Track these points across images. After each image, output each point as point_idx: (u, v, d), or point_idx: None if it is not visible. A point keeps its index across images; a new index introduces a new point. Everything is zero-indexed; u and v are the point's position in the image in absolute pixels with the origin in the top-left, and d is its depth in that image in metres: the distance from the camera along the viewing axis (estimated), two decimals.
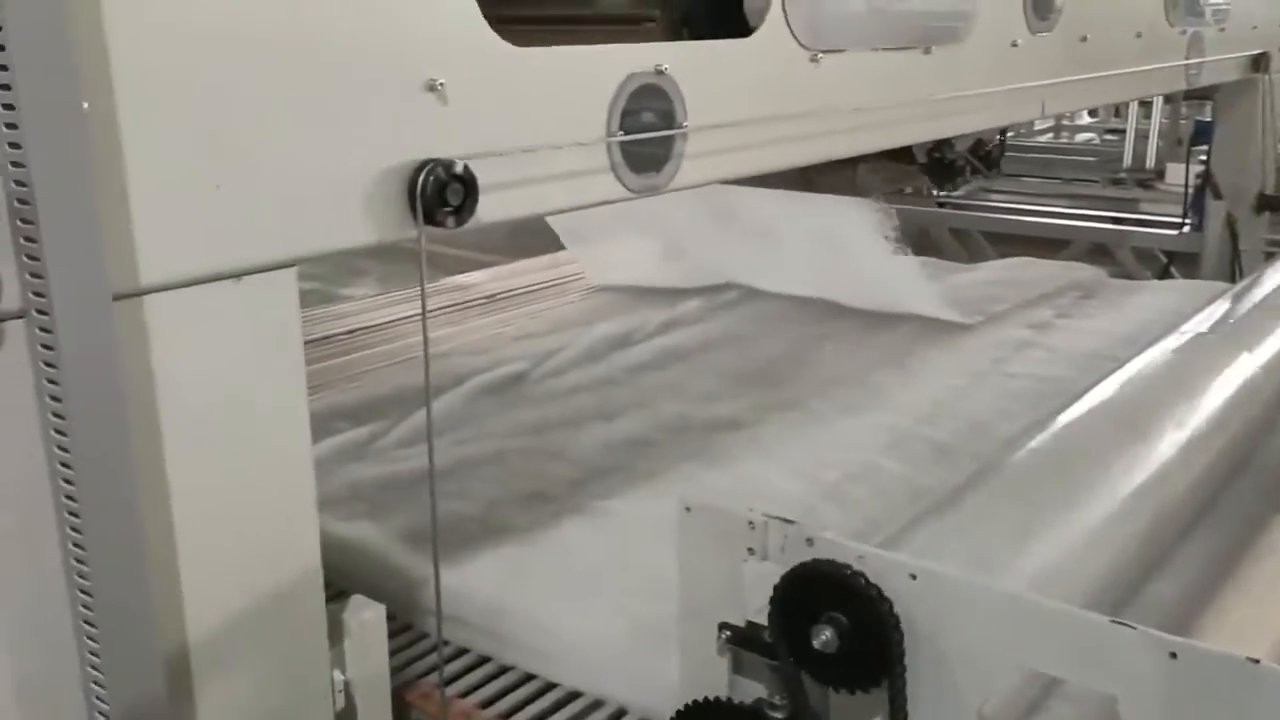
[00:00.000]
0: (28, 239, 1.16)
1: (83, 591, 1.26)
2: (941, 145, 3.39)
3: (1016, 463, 1.96)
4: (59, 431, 1.21)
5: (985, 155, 3.56)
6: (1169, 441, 2.04)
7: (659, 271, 4.37)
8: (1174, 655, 1.17)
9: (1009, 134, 8.00)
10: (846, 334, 3.78)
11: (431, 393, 3.08)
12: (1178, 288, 4.47)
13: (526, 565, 2.24)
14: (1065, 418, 2.15)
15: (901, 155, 3.42)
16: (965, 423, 2.98)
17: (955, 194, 7.52)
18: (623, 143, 1.84)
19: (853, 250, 3.63)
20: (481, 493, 2.59)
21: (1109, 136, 9.44)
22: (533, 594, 2.12)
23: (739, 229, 3.89)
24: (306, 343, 3.79)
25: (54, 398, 1.20)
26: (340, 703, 1.64)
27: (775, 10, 2.10)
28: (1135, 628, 1.20)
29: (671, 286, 4.28)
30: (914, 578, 1.37)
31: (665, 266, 4.35)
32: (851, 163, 3.34)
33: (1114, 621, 1.22)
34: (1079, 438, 2.08)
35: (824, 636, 1.39)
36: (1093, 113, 10.28)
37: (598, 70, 1.80)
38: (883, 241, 3.56)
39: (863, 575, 1.38)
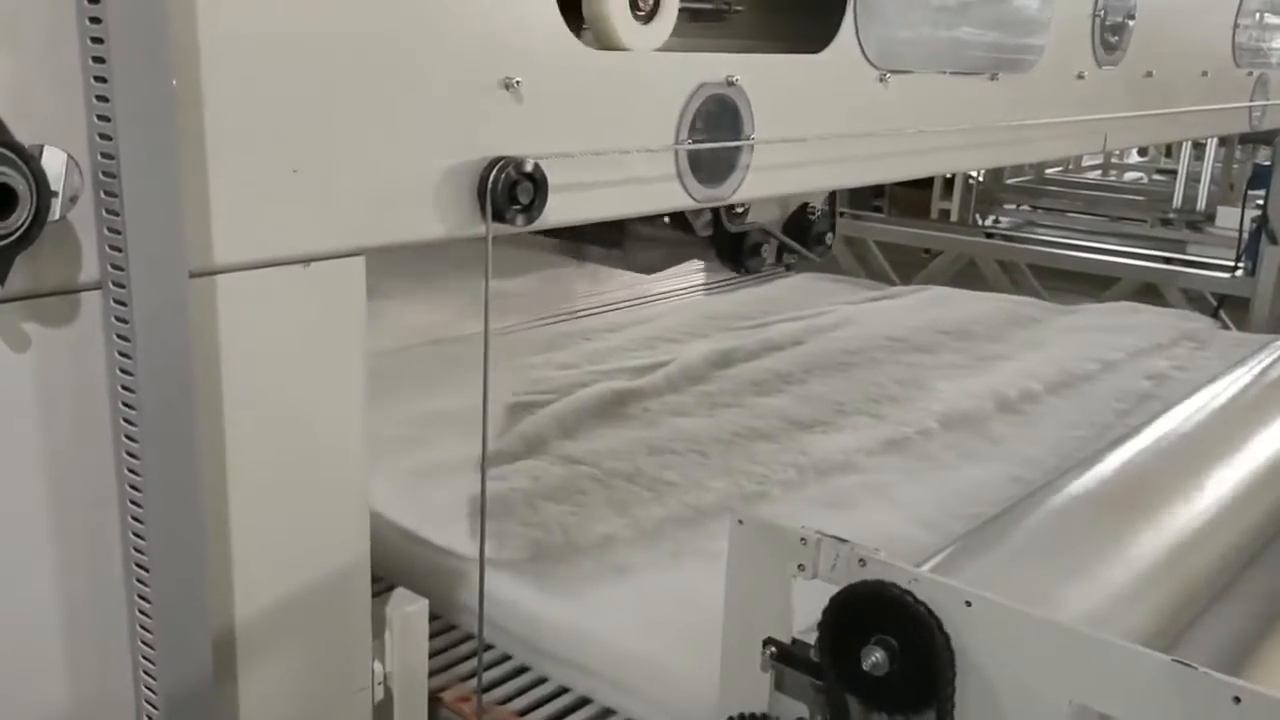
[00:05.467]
0: (110, 211, 1.17)
1: (139, 566, 1.27)
2: (725, 215, 2.44)
3: (1071, 497, 1.94)
4: (127, 405, 1.22)
5: (806, 229, 2.64)
6: (1226, 481, 2.01)
7: None
8: (1238, 700, 1.15)
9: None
10: (954, 368, 3.66)
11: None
12: None
13: (649, 611, 2.12)
14: (1121, 454, 2.13)
15: (680, 224, 2.44)
16: None
17: (1001, 225, 7.50)
18: (690, 152, 1.83)
19: None
20: (593, 522, 2.47)
21: (1158, 176, 9.35)
22: (660, 644, 2.01)
23: None
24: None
25: (125, 371, 1.21)
26: (379, 694, 1.64)
27: (848, 27, 2.09)
28: (1198, 669, 1.18)
29: None
30: (969, 604, 1.35)
31: None
32: (620, 230, 2.48)
33: (1175, 661, 1.20)
34: (1135, 475, 2.05)
35: (874, 658, 1.38)
36: (1142, 152, 10.17)
37: (670, 78, 1.80)
38: None
39: (918, 599, 1.36)
